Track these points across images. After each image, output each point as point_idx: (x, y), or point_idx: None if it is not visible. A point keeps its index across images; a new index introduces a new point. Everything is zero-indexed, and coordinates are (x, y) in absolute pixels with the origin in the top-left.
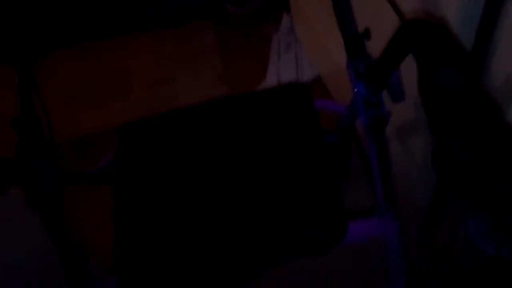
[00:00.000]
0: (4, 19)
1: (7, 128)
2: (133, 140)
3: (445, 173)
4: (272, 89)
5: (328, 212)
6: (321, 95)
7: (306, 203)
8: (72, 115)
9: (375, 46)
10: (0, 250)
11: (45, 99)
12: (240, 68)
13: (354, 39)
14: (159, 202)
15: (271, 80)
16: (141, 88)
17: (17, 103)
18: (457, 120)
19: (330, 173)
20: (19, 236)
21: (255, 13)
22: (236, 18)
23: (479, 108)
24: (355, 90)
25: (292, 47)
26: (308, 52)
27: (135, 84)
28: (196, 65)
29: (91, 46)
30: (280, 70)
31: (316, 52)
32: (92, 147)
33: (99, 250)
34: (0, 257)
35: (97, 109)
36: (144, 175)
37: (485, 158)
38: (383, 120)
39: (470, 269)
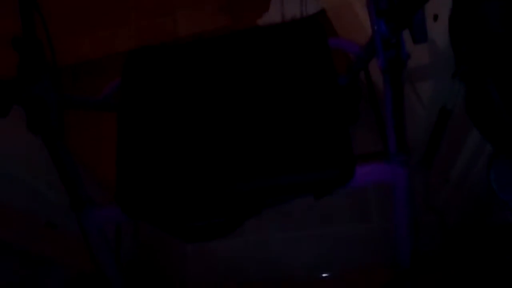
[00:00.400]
0: None
1: (6, 47)
2: (139, 68)
3: (478, 117)
4: (285, 24)
5: (337, 153)
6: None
7: (314, 142)
8: (73, 39)
9: None
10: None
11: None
12: None
13: None
14: (163, 133)
15: (273, 12)
16: (140, 17)
17: (17, 23)
18: (495, 59)
19: (340, 114)
20: (21, 157)
21: None
22: None
23: None
24: (375, 28)
25: None
26: None
27: (134, 13)
28: None
29: None
30: (284, 2)
31: None
32: (91, 73)
33: (102, 178)
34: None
35: (97, 35)
36: (149, 104)
37: None
38: (402, 62)
39: (460, 206)
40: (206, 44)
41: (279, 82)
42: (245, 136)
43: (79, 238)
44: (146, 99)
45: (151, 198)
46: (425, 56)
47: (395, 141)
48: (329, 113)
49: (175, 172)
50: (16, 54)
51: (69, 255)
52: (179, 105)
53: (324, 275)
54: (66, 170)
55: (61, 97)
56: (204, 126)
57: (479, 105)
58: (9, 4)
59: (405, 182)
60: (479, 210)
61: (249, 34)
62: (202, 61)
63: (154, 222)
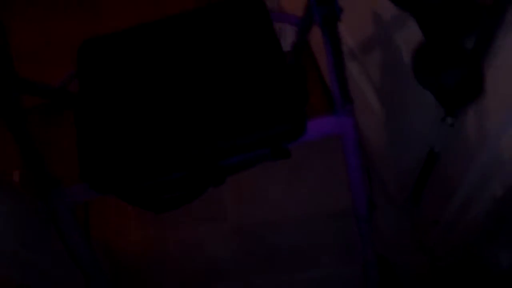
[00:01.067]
0: None
1: None
2: (93, 55)
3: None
4: (225, 2)
5: (288, 110)
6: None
7: (267, 103)
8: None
9: None
10: None
11: None
12: None
13: None
14: (120, 109)
15: None
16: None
17: None
18: None
19: (288, 75)
20: None
21: None
22: None
23: None
24: None
25: None
26: None
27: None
28: None
29: None
30: None
31: None
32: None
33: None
34: None
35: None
36: (105, 85)
37: None
38: (336, 16)
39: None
40: (155, 27)
41: (226, 53)
42: (200, 105)
43: None
44: (102, 82)
45: (116, 169)
46: (413, 97)
47: (339, 93)
48: (278, 75)
49: (136, 142)
50: None
51: None
52: (134, 83)
53: None
54: (30, 152)
55: (16, 80)
56: (159, 99)
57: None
58: None
59: (353, 130)
60: (471, 252)
61: (193, 14)
62: (150, 43)
63: (121, 195)
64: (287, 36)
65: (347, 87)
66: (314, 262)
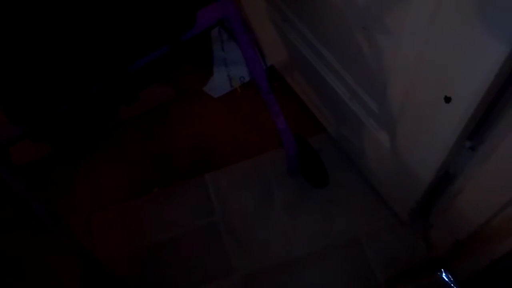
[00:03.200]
0: None
1: None
2: None
3: None
4: None
5: (178, 4)
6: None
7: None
8: None
9: None
10: None
11: None
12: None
13: None
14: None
15: (219, 76)
16: None
17: None
18: None
19: None
20: None
21: None
22: None
23: None
24: None
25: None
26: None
27: None
28: None
29: None
30: (227, 60)
31: None
32: None
33: None
34: None
35: None
36: None
37: None
38: None
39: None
40: None
41: None
42: (92, 15)
43: None
44: None
45: (31, 96)
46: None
47: None
48: None
49: (42, 63)
50: None
51: None
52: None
53: None
54: None
55: None
56: (50, 15)
57: None
58: None
59: (236, 11)
60: (493, 269)
61: None
62: None
63: (41, 127)
64: None
65: None
66: None
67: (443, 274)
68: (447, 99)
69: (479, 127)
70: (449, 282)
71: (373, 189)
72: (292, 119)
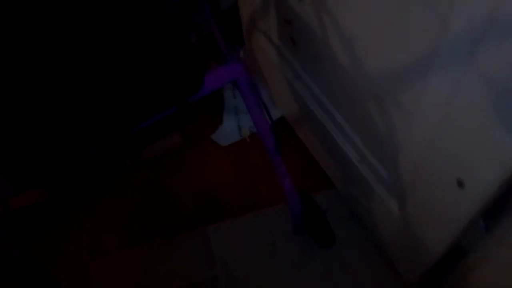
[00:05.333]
0: None
1: None
2: None
3: None
4: None
5: (183, 63)
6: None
7: (162, 63)
8: None
9: None
10: None
11: None
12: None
13: None
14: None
15: (228, 125)
16: None
17: None
18: None
19: (180, 38)
20: None
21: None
22: None
23: None
24: None
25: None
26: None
27: None
28: None
29: None
30: (237, 109)
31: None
32: None
33: None
34: None
35: None
36: None
37: None
38: None
39: None
40: None
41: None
42: (98, 76)
43: None
44: None
45: (30, 157)
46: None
47: (224, 45)
48: (170, 40)
49: (42, 123)
50: None
51: None
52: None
53: None
54: None
55: None
56: (51, 73)
57: None
58: None
59: (244, 73)
60: None
61: None
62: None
63: (42, 183)
64: None
65: (229, 38)
66: None
67: None
68: (460, 183)
69: (494, 208)
70: None
71: (381, 249)
72: (300, 171)
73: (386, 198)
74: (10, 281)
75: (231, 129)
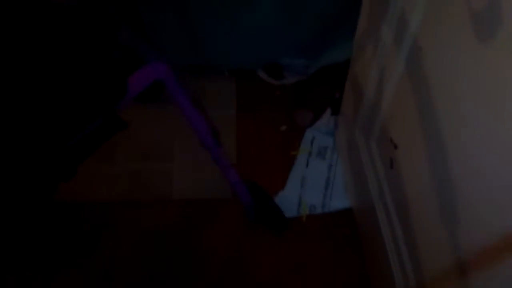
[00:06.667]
0: None
1: None
2: None
3: None
4: None
5: (105, 75)
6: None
7: (82, 77)
8: None
9: None
10: None
11: None
12: (256, 163)
13: None
14: None
15: (290, 189)
16: None
17: None
18: None
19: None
20: None
21: (293, 90)
22: (267, 92)
23: None
24: None
25: (327, 154)
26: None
27: None
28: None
29: None
30: (305, 180)
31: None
32: None
33: None
34: None
35: None
36: None
37: None
38: None
39: None
40: None
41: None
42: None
43: None
44: None
45: None
46: None
47: (146, 46)
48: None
49: None
50: None
51: None
52: None
53: None
54: None
55: None
56: None
57: None
58: None
59: (170, 72)
60: None
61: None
62: None
63: None
64: None
65: (150, 40)
66: None
67: None
68: None
69: None
70: None
71: None
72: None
73: None
74: (10, 281)
75: (291, 201)
